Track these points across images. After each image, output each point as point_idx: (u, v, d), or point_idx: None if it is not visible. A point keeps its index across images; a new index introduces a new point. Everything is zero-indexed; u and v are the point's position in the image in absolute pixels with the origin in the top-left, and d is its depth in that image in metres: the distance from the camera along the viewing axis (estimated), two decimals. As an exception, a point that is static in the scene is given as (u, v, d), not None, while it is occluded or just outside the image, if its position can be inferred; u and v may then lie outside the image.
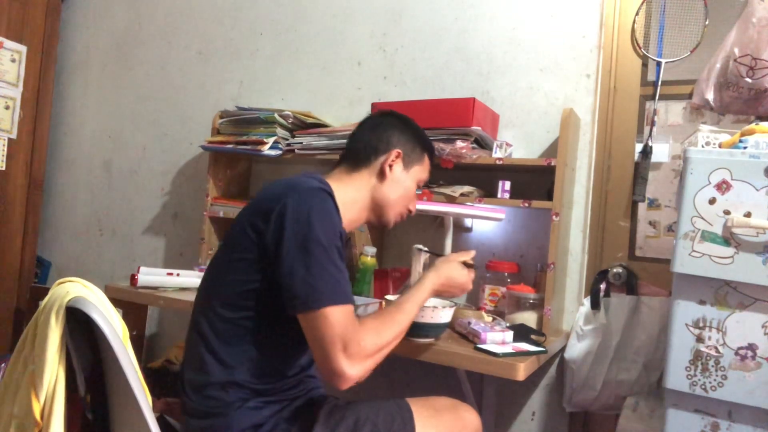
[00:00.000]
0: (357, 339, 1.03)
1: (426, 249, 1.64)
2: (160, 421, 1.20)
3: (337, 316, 1.03)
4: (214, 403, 1.11)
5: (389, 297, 1.59)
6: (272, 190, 1.17)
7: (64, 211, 3.02)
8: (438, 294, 1.33)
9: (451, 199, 1.80)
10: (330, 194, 1.15)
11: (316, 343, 1.04)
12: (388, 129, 1.36)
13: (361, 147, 1.35)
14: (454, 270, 1.32)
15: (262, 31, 2.50)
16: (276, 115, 2.07)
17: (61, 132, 3.05)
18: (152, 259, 2.71)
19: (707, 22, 1.77)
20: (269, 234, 1.08)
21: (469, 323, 1.56)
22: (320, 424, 1.15)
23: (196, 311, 1.20)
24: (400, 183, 1.35)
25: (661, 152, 1.80)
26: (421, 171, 1.41)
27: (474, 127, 1.75)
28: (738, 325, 1.15)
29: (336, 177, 1.33)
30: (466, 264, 1.35)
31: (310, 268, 1.05)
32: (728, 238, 1.14)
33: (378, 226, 1.41)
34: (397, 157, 1.34)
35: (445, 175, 1.92)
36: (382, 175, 1.33)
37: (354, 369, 1.03)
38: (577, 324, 1.80)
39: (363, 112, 2.20)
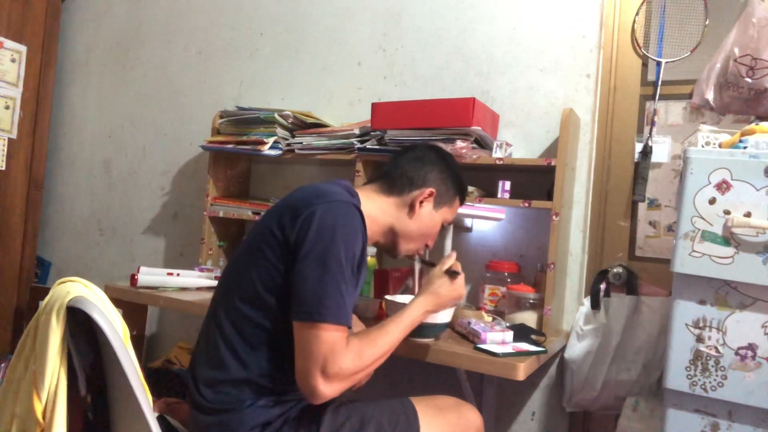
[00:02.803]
0: (338, 361, 1.03)
1: (421, 260, 1.62)
2: (160, 421, 1.21)
3: (329, 335, 1.04)
4: (226, 399, 1.12)
5: (389, 297, 1.59)
6: (303, 193, 1.18)
7: (64, 211, 3.02)
8: (435, 311, 1.31)
9: (451, 199, 1.79)
10: (359, 209, 1.16)
11: (300, 353, 1.06)
12: (428, 165, 1.36)
13: (398, 175, 1.35)
14: (439, 286, 1.29)
15: (262, 31, 2.50)
16: (276, 115, 2.07)
17: (61, 132, 3.05)
18: (152, 259, 2.71)
19: (707, 22, 1.77)
20: (294, 237, 1.10)
21: (469, 323, 1.56)
22: (326, 423, 1.16)
23: (216, 308, 1.21)
24: (426, 221, 1.36)
25: (661, 152, 1.80)
26: (449, 212, 1.41)
27: (474, 127, 1.75)
28: (738, 325, 1.15)
29: (366, 192, 1.33)
30: (449, 272, 1.32)
31: (322, 281, 1.06)
32: (728, 238, 1.14)
33: (387, 253, 1.42)
34: (429, 195, 1.34)
35: (445, 175, 1.91)
36: (411, 209, 1.33)
37: (329, 389, 1.04)
38: (577, 324, 1.80)
39: (363, 112, 2.20)
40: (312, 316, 1.04)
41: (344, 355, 1.04)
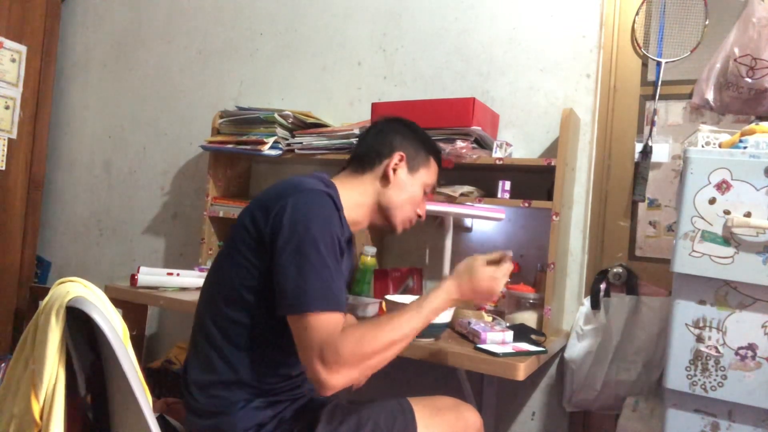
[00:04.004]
0: (334, 347, 1.01)
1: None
2: (160, 421, 1.20)
3: (321, 322, 1.02)
4: (218, 402, 1.12)
5: (389, 297, 1.59)
6: (276, 188, 1.17)
7: (64, 211, 3.02)
8: (461, 303, 1.22)
9: (451, 199, 1.80)
10: (332, 197, 1.14)
11: (299, 346, 1.05)
12: (391, 133, 1.36)
13: (365, 152, 1.35)
14: (475, 271, 1.18)
15: (262, 31, 2.50)
16: (276, 115, 2.07)
17: (61, 132, 3.05)
18: (152, 259, 2.71)
19: (707, 22, 1.77)
20: (268, 232, 1.08)
21: (469, 323, 1.56)
22: (322, 423, 1.15)
23: (201, 310, 1.20)
24: (406, 187, 1.34)
25: (661, 152, 1.80)
26: (427, 174, 1.39)
27: (474, 127, 1.75)
28: (738, 325, 1.15)
29: (341, 180, 1.33)
30: (492, 262, 1.20)
31: (303, 271, 1.04)
32: (728, 238, 1.14)
33: (385, 231, 1.41)
34: (400, 160, 1.33)
35: (445, 175, 1.91)
36: (386, 179, 1.32)
37: (333, 377, 1.00)
38: (577, 324, 1.80)
39: (363, 112, 2.20)
40: (299, 307, 1.03)
41: (341, 342, 1.01)
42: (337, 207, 1.15)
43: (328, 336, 1.02)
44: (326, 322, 1.03)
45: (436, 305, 1.15)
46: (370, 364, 1.05)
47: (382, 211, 1.34)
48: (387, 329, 1.08)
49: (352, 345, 1.02)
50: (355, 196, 1.30)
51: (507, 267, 1.20)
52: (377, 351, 1.05)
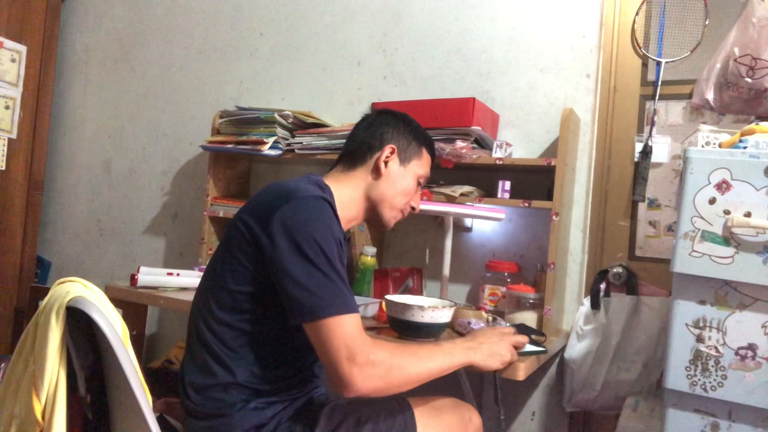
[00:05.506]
0: (365, 350, 1.02)
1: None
2: (160, 421, 1.20)
3: (343, 326, 1.03)
4: (216, 404, 1.11)
5: (389, 297, 1.59)
6: (270, 193, 1.15)
7: (64, 211, 3.02)
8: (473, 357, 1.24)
9: (451, 199, 1.80)
10: (327, 200, 1.14)
11: (322, 351, 1.04)
12: (382, 126, 1.35)
13: (356, 146, 1.35)
14: (493, 335, 1.30)
15: (262, 31, 2.50)
16: (276, 115, 2.07)
17: (61, 132, 3.05)
18: (152, 259, 2.71)
19: (707, 22, 1.77)
20: (268, 243, 1.07)
21: (469, 323, 1.56)
22: (321, 423, 1.15)
23: (195, 313, 1.20)
24: (398, 179, 1.34)
25: (661, 152, 1.80)
26: (420, 166, 1.38)
27: (474, 127, 1.76)
28: (738, 325, 1.15)
29: (333, 176, 1.33)
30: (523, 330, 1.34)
31: (314, 278, 1.04)
32: (728, 238, 1.14)
33: (377, 226, 1.41)
34: (391, 153, 1.32)
35: (445, 175, 1.92)
36: (377, 171, 1.32)
37: (360, 378, 1.01)
38: (577, 324, 1.80)
39: (363, 112, 2.19)
40: (317, 314, 1.03)
41: (372, 345, 1.04)
42: (335, 210, 1.15)
43: (353, 336, 1.03)
44: (348, 323, 1.03)
45: (453, 348, 1.23)
46: (394, 377, 1.06)
47: (373, 205, 1.34)
48: (417, 352, 1.13)
49: (382, 352, 1.05)
50: (348, 191, 1.30)
51: (519, 338, 1.34)
52: (403, 365, 1.08)
